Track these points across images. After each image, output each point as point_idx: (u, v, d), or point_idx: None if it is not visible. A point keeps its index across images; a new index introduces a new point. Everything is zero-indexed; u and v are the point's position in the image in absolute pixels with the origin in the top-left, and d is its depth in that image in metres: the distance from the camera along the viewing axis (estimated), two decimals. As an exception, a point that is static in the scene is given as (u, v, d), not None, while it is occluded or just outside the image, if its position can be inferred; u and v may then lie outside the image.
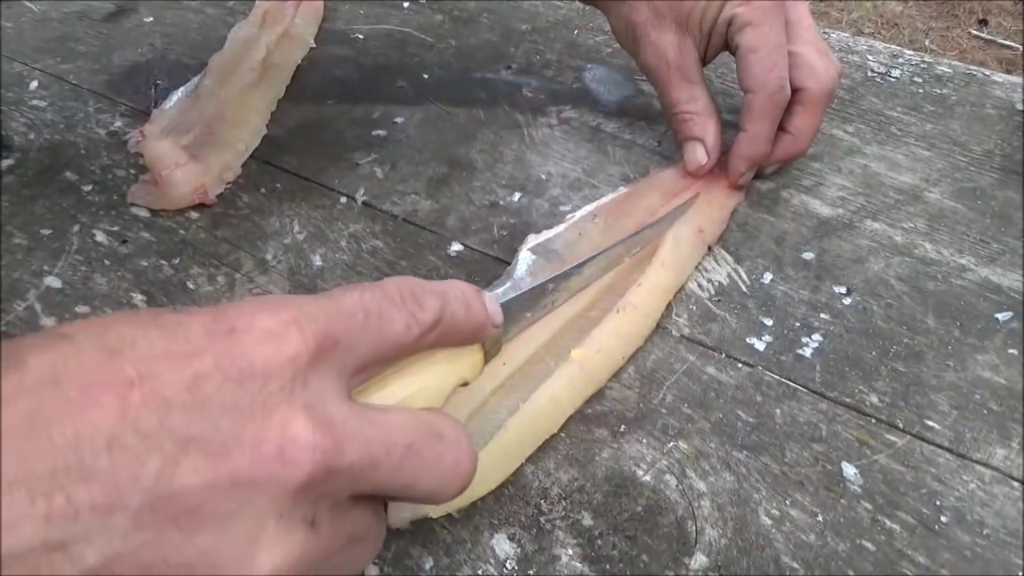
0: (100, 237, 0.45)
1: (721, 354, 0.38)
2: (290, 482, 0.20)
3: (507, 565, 0.31)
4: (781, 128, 0.44)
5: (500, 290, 0.39)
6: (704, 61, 0.45)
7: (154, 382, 0.19)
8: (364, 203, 0.47)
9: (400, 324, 0.24)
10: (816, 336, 0.39)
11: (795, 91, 0.43)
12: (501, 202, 0.47)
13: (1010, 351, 0.38)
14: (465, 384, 0.28)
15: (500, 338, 0.29)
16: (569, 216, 0.44)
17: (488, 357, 0.29)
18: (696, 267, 0.42)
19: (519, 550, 0.32)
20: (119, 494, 0.18)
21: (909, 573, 0.31)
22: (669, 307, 0.40)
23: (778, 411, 0.36)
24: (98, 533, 0.18)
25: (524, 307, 0.33)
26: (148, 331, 0.20)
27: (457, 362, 0.27)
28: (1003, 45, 1.78)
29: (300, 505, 0.20)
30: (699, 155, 0.45)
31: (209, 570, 0.19)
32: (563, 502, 0.33)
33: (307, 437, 0.20)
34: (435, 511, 0.32)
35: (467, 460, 0.24)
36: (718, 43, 0.44)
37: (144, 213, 0.46)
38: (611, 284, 0.40)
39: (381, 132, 0.52)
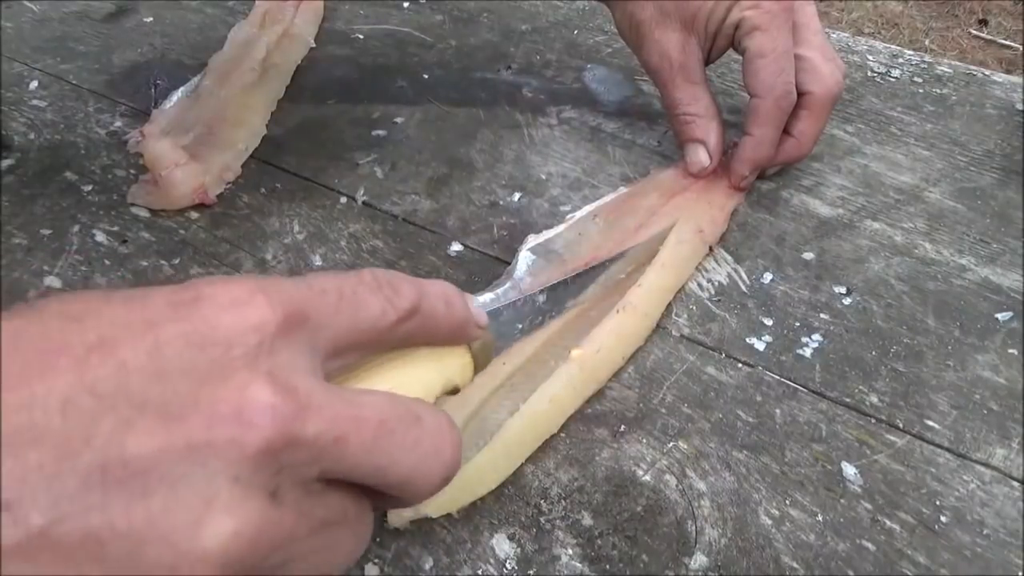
0: (100, 237, 0.45)
1: (721, 354, 0.38)
2: (247, 446, 0.19)
3: (507, 565, 0.31)
4: (785, 131, 0.44)
5: (485, 297, 0.38)
6: (708, 61, 0.45)
7: (114, 347, 0.19)
8: (364, 203, 0.47)
9: (375, 307, 0.23)
10: (816, 336, 0.39)
11: (800, 95, 0.43)
12: (501, 202, 0.47)
13: (1010, 351, 0.38)
14: (455, 391, 0.27)
15: (490, 346, 0.29)
16: (569, 216, 0.44)
17: (478, 364, 0.28)
18: (696, 267, 0.42)
19: (519, 550, 0.32)
20: (69, 455, 0.17)
21: (909, 573, 0.31)
22: (669, 307, 0.40)
23: (778, 411, 0.36)
24: (45, 494, 0.17)
25: (514, 317, 0.32)
26: (113, 303, 0.20)
27: (441, 361, 0.27)
28: (1003, 45, 1.78)
29: (260, 473, 0.19)
30: (701, 157, 0.45)
31: (158, 539, 0.18)
32: (563, 502, 0.33)
33: (266, 399, 0.19)
34: (435, 510, 0.32)
35: (449, 448, 0.23)
36: (723, 44, 0.44)
37: (144, 213, 0.46)
38: (611, 284, 0.40)
39: (381, 132, 0.52)
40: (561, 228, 0.42)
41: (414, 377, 0.26)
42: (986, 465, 0.34)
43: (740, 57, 0.43)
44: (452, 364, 0.27)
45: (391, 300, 0.24)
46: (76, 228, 0.45)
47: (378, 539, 0.32)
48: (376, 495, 0.23)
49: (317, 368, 0.22)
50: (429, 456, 0.23)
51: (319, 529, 0.21)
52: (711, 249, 0.43)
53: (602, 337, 0.37)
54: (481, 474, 0.33)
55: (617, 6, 0.45)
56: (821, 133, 0.45)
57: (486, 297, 0.38)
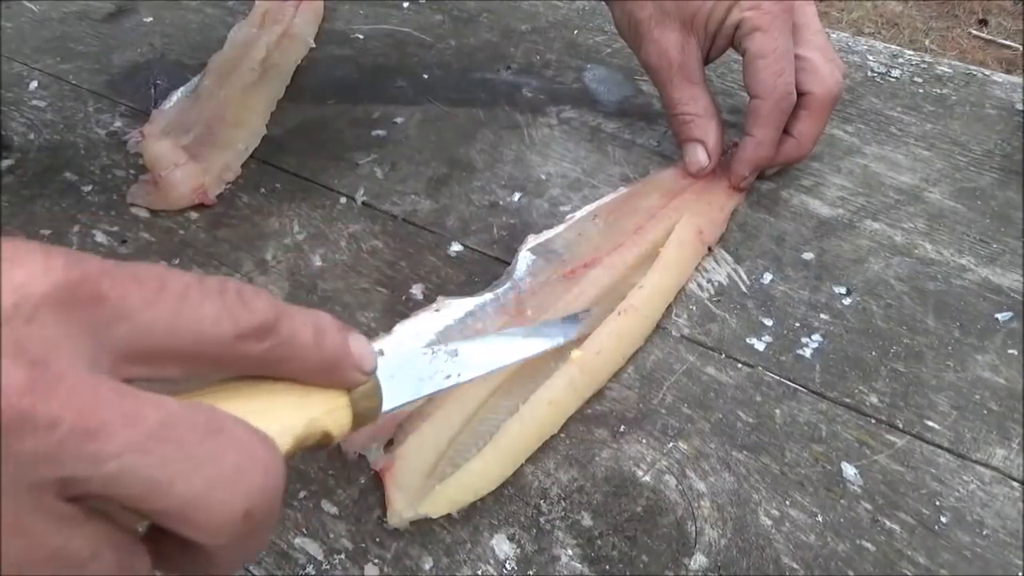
0: (100, 237, 0.45)
1: (721, 354, 0.38)
2: None
3: (507, 565, 0.31)
4: (785, 131, 0.44)
5: (382, 344, 0.35)
6: (707, 60, 0.45)
7: None
8: (364, 203, 0.47)
9: (207, 313, 0.19)
10: (816, 336, 0.39)
11: (800, 95, 0.43)
12: (501, 202, 0.47)
13: (1010, 351, 0.38)
14: (327, 440, 0.23)
15: (376, 396, 0.24)
16: (569, 216, 0.44)
17: (359, 417, 0.23)
18: (696, 268, 0.42)
19: (519, 550, 0.32)
20: None
21: (909, 573, 0.31)
22: (669, 308, 0.40)
23: (778, 411, 0.36)
24: None
25: (414, 369, 0.27)
26: None
27: (308, 399, 0.22)
28: (1003, 45, 1.78)
29: None
30: (700, 157, 0.45)
31: None
32: (563, 502, 0.33)
33: None
34: (435, 511, 0.32)
35: (260, 472, 0.18)
36: (723, 44, 0.44)
37: (144, 213, 0.46)
38: (611, 285, 0.40)
39: (381, 132, 0.52)
40: (561, 228, 0.42)
41: (266, 410, 0.21)
42: (986, 465, 0.34)
43: (740, 57, 0.43)
44: (319, 402, 0.22)
45: (232, 310, 0.20)
46: (76, 228, 0.45)
47: (378, 539, 0.32)
48: (157, 541, 0.19)
49: (101, 362, 0.18)
50: (228, 478, 0.18)
51: (50, 567, 0.17)
52: (710, 249, 0.43)
53: (603, 339, 0.37)
54: (481, 475, 0.33)
55: (616, 5, 0.45)
56: (821, 133, 0.45)
57: (382, 343, 0.36)
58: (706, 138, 0.44)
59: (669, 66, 0.44)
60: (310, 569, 0.31)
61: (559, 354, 0.37)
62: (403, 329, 0.38)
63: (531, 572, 0.31)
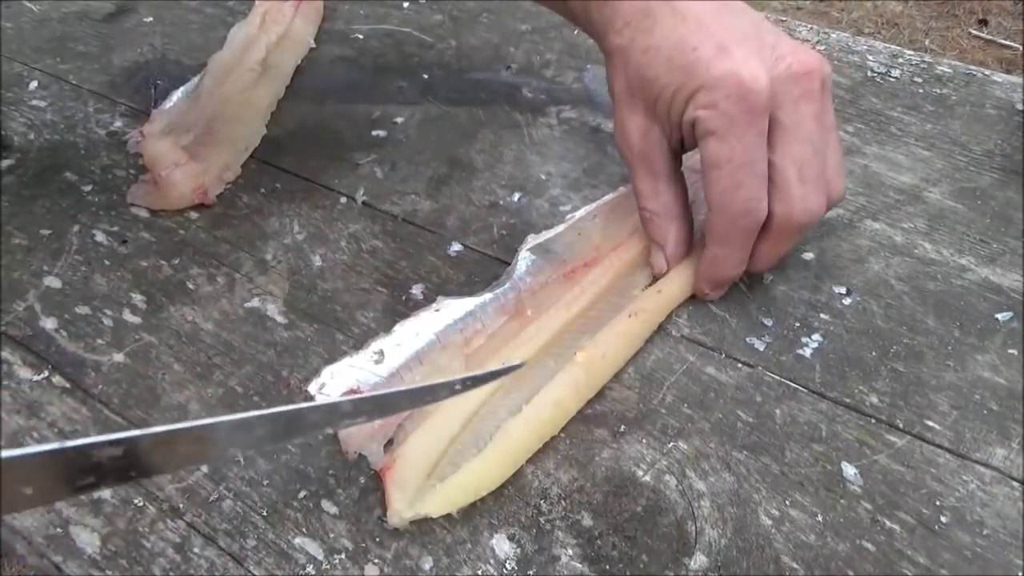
0: (100, 237, 0.45)
1: (721, 354, 0.38)
2: None
3: (507, 565, 0.31)
4: None
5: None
6: (682, 149, 0.38)
7: None
8: (364, 203, 0.47)
9: None
10: (816, 336, 0.39)
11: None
12: (501, 202, 0.47)
13: (1010, 351, 0.38)
14: None
15: None
16: (569, 216, 0.43)
17: None
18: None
19: (519, 550, 0.32)
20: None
21: (909, 573, 0.31)
22: (669, 307, 0.40)
23: (778, 411, 0.36)
24: None
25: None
26: None
27: None
28: (1003, 45, 1.78)
29: None
30: (657, 262, 0.40)
31: None
32: (563, 502, 0.33)
33: None
34: (435, 511, 0.32)
35: None
36: (691, 141, 0.37)
37: (144, 213, 0.46)
38: (611, 284, 0.40)
39: (381, 132, 0.52)
40: (561, 228, 0.42)
41: None
42: (986, 465, 0.34)
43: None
44: None
45: None
46: (76, 228, 0.45)
47: (378, 539, 0.32)
48: None
49: None
50: None
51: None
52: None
53: (609, 340, 0.37)
54: (482, 475, 0.33)
55: (606, 67, 0.39)
56: (784, 255, 0.39)
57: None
58: (664, 241, 0.39)
59: (631, 153, 0.38)
60: (310, 569, 0.31)
61: (559, 354, 0.37)
62: (403, 329, 0.38)
63: (531, 572, 0.31)
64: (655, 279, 0.40)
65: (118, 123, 0.53)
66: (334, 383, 0.36)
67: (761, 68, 0.34)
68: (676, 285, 0.40)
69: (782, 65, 0.34)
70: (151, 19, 0.62)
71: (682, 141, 0.37)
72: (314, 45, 0.58)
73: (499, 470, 0.33)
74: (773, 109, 0.34)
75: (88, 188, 0.48)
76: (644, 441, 0.35)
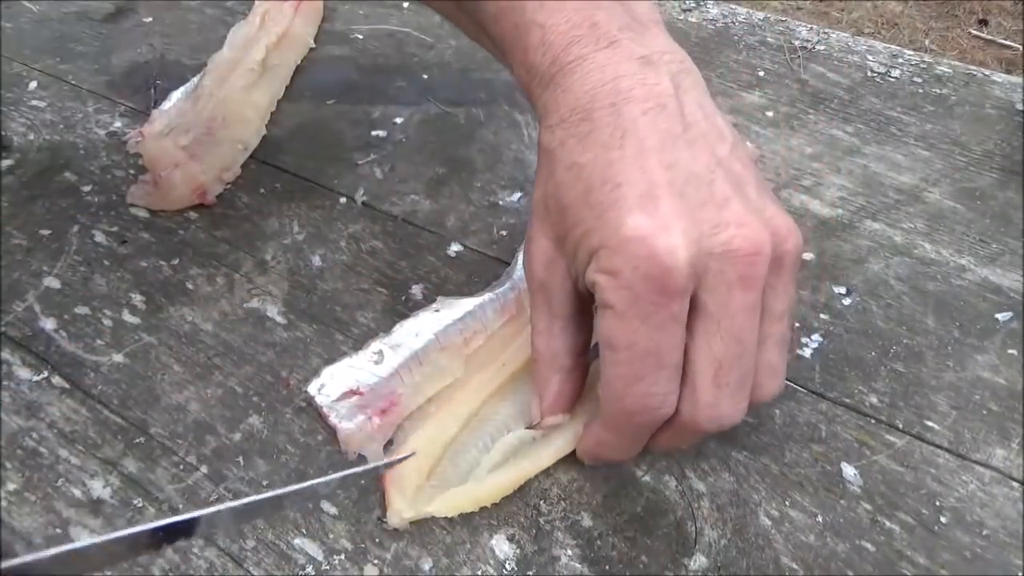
0: (99, 238, 0.45)
1: (721, 354, 0.38)
2: None
3: (506, 566, 0.31)
4: None
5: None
6: (592, 299, 0.30)
7: None
8: (364, 203, 0.47)
9: None
10: (816, 336, 0.39)
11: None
12: (501, 202, 0.47)
13: (1010, 351, 0.38)
14: None
15: None
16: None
17: None
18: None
19: (518, 551, 0.32)
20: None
21: (908, 574, 0.31)
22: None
23: (777, 412, 0.36)
24: None
25: None
26: None
27: None
28: (1003, 45, 1.78)
29: None
30: (532, 410, 0.33)
31: None
32: (562, 503, 0.33)
33: None
34: (439, 511, 0.32)
35: None
36: (590, 294, 0.30)
37: (143, 213, 0.46)
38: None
39: (380, 132, 0.52)
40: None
41: None
42: (986, 466, 0.34)
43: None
44: None
45: None
46: (75, 229, 0.45)
47: (377, 540, 0.32)
48: None
49: None
50: None
51: None
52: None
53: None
54: (495, 488, 0.33)
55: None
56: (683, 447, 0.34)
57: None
58: (542, 391, 0.32)
59: (531, 279, 0.32)
60: (309, 569, 0.31)
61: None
62: (403, 329, 0.38)
63: (531, 573, 0.31)
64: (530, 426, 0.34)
65: (118, 123, 0.53)
66: (333, 384, 0.36)
67: (683, 239, 0.26)
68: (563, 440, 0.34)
69: (720, 237, 0.27)
70: (150, 19, 0.62)
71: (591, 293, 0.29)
72: (314, 45, 0.58)
73: (511, 486, 0.33)
74: (698, 289, 0.27)
75: (87, 188, 0.48)
76: (644, 441, 0.35)
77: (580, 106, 0.29)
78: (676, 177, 0.27)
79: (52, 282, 0.42)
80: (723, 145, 0.29)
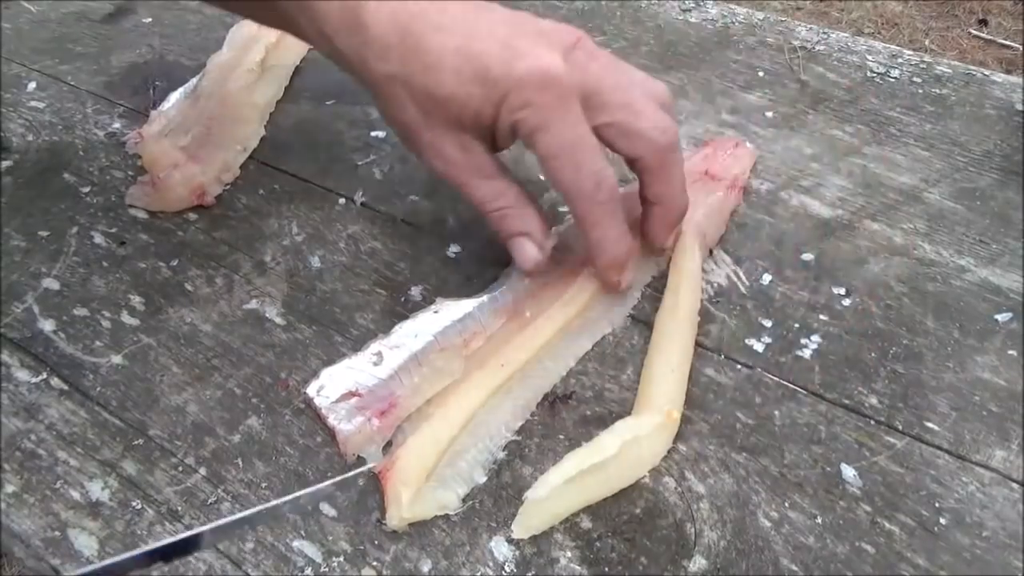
0: (98, 239, 0.45)
1: (720, 355, 0.38)
2: None
3: (505, 568, 0.31)
4: (643, 199, 0.39)
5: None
6: (498, 148, 0.37)
7: None
8: (363, 204, 0.47)
9: None
10: (815, 337, 0.39)
11: (631, 161, 0.37)
12: (500, 203, 0.46)
13: (1010, 352, 0.38)
14: None
15: None
16: (568, 217, 0.43)
17: None
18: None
19: (517, 553, 0.32)
20: None
21: (908, 575, 0.31)
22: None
23: (777, 413, 0.36)
24: None
25: None
26: None
27: None
28: (1003, 45, 1.78)
29: None
30: (529, 252, 0.38)
31: None
32: (562, 504, 0.33)
33: None
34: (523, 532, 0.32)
35: None
36: (508, 140, 0.36)
37: (142, 215, 0.46)
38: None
39: (380, 133, 0.52)
40: (560, 229, 0.42)
41: None
42: (985, 467, 0.34)
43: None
44: None
45: None
46: (74, 230, 0.45)
47: (376, 541, 0.32)
48: None
49: None
50: None
51: None
52: (711, 252, 0.43)
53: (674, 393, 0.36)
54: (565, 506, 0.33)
55: (376, 98, 0.38)
56: (683, 180, 0.38)
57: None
58: (529, 228, 0.38)
59: (458, 170, 0.37)
60: (308, 571, 0.31)
61: (556, 354, 0.37)
62: (402, 331, 0.38)
63: (530, 574, 0.31)
64: (530, 274, 0.40)
65: (116, 124, 0.53)
66: (332, 385, 0.36)
67: (551, 51, 0.34)
68: (687, 299, 0.38)
69: (558, 38, 0.35)
70: (150, 20, 0.62)
71: (496, 143, 0.37)
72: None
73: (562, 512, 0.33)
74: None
75: (86, 189, 0.48)
76: (643, 443, 0.35)
77: (398, 31, 0.34)
78: (505, 29, 0.34)
79: (51, 283, 0.42)
80: (495, 5, 0.36)
